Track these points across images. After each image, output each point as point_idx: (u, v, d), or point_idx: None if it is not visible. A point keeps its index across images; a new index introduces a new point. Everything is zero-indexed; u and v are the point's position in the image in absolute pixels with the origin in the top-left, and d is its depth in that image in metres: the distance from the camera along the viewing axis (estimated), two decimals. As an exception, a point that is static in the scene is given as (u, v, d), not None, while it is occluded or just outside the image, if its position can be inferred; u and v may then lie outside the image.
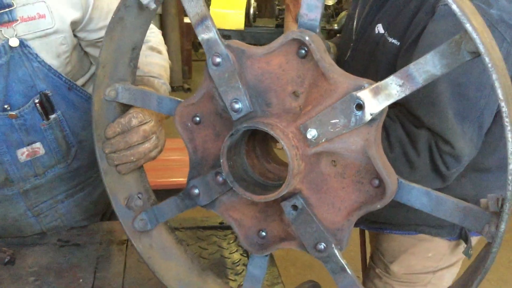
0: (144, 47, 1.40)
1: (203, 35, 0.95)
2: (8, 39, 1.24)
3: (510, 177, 0.75)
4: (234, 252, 1.42)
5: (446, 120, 1.26)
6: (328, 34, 7.10)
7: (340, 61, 1.70)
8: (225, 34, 6.88)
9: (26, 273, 1.30)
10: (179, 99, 1.06)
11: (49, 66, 1.32)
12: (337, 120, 0.87)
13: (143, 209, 1.17)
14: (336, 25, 6.85)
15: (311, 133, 0.89)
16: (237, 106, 0.94)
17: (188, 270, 1.19)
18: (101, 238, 1.46)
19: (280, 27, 6.87)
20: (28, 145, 1.37)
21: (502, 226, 0.78)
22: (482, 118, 1.27)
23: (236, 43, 0.95)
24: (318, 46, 0.89)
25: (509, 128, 0.74)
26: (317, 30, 0.91)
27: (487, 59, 0.72)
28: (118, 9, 1.01)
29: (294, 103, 0.94)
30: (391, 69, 1.35)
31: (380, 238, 1.71)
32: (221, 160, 0.94)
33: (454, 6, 0.73)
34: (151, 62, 1.39)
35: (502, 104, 0.73)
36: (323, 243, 0.95)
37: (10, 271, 1.30)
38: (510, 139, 0.74)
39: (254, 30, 7.30)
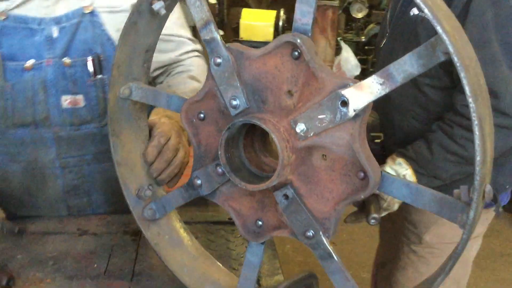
0: (185, 75, 1.63)
1: (207, 38, 1.04)
2: (84, 7, 1.52)
3: (477, 168, 0.82)
4: (239, 245, 1.50)
5: (500, 73, 1.44)
6: (356, 45, 7.15)
7: (376, 53, 1.93)
8: (254, 46, 7.00)
9: (46, 258, 1.40)
10: (187, 98, 1.15)
11: (109, 36, 1.57)
12: (324, 116, 0.95)
13: (153, 199, 1.26)
14: (363, 37, 6.90)
15: (300, 127, 0.97)
16: (235, 102, 1.03)
17: (193, 257, 1.27)
18: (117, 228, 1.56)
19: (308, 39, 6.94)
20: (72, 94, 1.56)
21: (471, 214, 0.84)
22: None
23: (236, 45, 1.04)
24: (309, 48, 0.97)
25: (476, 122, 0.80)
26: (309, 34, 0.99)
27: (455, 59, 0.79)
28: (131, 14, 1.11)
29: (289, 101, 1.02)
30: None
31: (411, 211, 1.82)
32: (219, 152, 1.03)
33: (426, 11, 0.80)
34: (187, 87, 1.55)
35: (470, 100, 0.79)
36: (311, 231, 1.02)
37: (31, 255, 1.41)
38: (477, 133, 0.80)
39: (282, 42, 7.43)
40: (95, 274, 1.34)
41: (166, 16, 1.16)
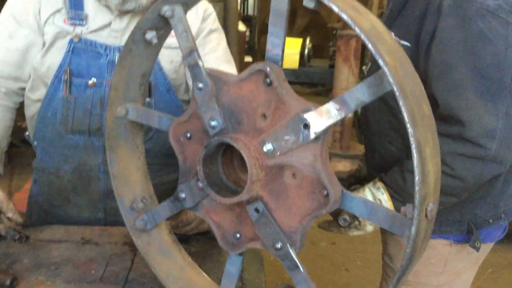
0: None
1: (191, 64, 1.16)
2: None
3: (416, 188, 0.90)
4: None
5: (465, 100, 1.41)
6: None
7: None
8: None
9: (49, 262, 1.52)
10: (175, 118, 1.27)
11: (161, 67, 1.81)
12: (289, 137, 1.05)
13: (145, 211, 1.37)
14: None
15: (267, 147, 1.07)
16: (213, 123, 1.14)
17: (179, 267, 1.37)
18: (117, 239, 1.68)
19: (332, 67, 7.07)
20: None
21: (413, 230, 0.92)
22: None
23: (215, 71, 1.16)
24: (278, 76, 1.07)
25: (414, 146, 0.88)
26: (279, 63, 1.09)
27: (395, 88, 0.88)
28: (127, 42, 1.24)
29: (263, 123, 1.12)
30: None
31: (389, 242, 1.81)
32: (198, 167, 1.14)
33: (369, 46, 0.89)
34: None
35: (408, 125, 0.88)
36: (280, 243, 1.11)
37: (35, 260, 1.53)
38: (415, 155, 0.89)
39: (308, 70, 7.57)
40: (92, 279, 1.45)
41: (159, 45, 1.29)
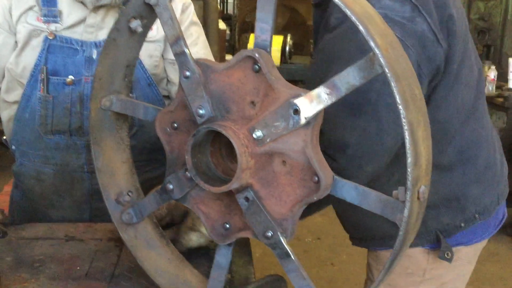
0: None
1: (177, 52, 1.14)
2: None
3: (409, 169, 0.89)
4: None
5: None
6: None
7: None
8: (262, 71, 7.13)
9: (33, 260, 1.48)
10: (161, 108, 1.25)
11: (141, 60, 1.76)
12: (279, 123, 1.04)
13: (131, 205, 1.35)
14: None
15: (257, 134, 1.06)
16: (201, 111, 1.12)
17: (167, 260, 1.35)
18: (102, 235, 1.64)
19: (313, 64, 7.07)
20: None
21: (406, 212, 0.91)
22: (377, 111, 1.33)
23: (203, 60, 1.14)
24: (267, 62, 1.06)
25: (406, 127, 0.88)
26: (268, 49, 1.08)
27: (386, 70, 0.87)
28: (111, 31, 1.22)
29: (252, 111, 1.11)
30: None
31: (368, 257, 1.80)
32: (186, 157, 1.12)
33: (360, 27, 0.88)
34: None
35: (400, 107, 0.88)
36: (270, 231, 1.10)
37: (19, 258, 1.49)
38: (407, 137, 0.88)
39: (289, 67, 7.54)
40: (77, 276, 1.42)
41: (143, 34, 1.26)
